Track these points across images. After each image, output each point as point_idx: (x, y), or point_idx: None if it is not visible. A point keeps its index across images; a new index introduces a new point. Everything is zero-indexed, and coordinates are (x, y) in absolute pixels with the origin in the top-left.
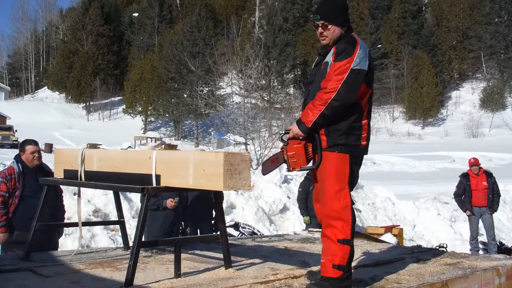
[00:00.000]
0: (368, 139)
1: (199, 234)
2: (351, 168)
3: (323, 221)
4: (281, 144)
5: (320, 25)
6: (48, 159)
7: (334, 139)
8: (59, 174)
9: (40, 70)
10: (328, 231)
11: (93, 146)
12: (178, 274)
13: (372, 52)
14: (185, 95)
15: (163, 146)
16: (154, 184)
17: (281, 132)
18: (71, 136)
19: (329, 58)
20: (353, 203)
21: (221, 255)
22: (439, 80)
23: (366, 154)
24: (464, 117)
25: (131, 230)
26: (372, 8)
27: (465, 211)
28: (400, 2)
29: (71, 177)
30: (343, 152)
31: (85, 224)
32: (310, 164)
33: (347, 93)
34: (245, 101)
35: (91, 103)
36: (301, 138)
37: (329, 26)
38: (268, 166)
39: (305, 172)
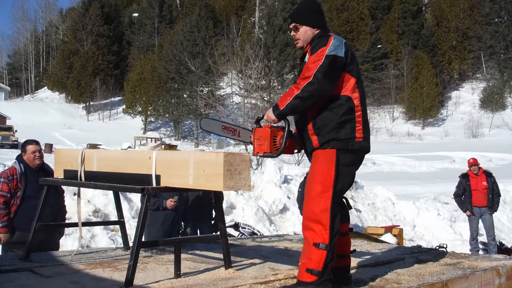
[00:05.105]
0: (365, 132)
1: (199, 234)
2: (337, 169)
3: (302, 222)
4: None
5: (292, 28)
6: (48, 159)
7: (326, 136)
8: (59, 174)
9: (40, 70)
10: (306, 233)
11: (93, 146)
12: (178, 274)
13: (372, 52)
14: (185, 95)
15: (163, 146)
16: (154, 184)
17: (259, 116)
18: (71, 136)
19: (307, 57)
20: (350, 208)
21: (221, 255)
22: (439, 80)
23: (368, 150)
24: (464, 117)
25: (131, 230)
26: (372, 8)
27: (465, 211)
28: (400, 2)
29: (71, 177)
30: (336, 148)
31: (85, 224)
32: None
33: (323, 77)
34: (245, 101)
35: (91, 103)
36: (274, 124)
37: (299, 27)
38: (217, 128)
39: (305, 172)
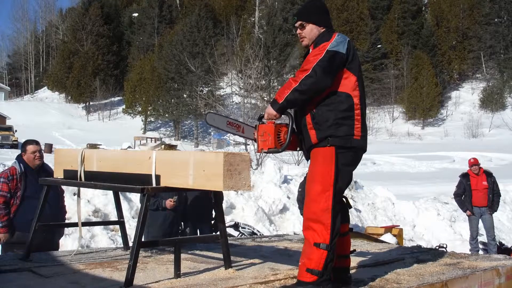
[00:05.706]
0: (363, 130)
1: (199, 234)
2: (336, 168)
3: (303, 222)
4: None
5: (298, 26)
6: (48, 159)
7: (324, 132)
8: (59, 174)
9: (40, 70)
10: (306, 233)
11: (93, 146)
12: (178, 274)
13: (372, 52)
14: (185, 95)
15: (163, 146)
16: (154, 184)
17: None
18: (71, 136)
19: (310, 51)
20: (350, 207)
21: (221, 255)
22: (439, 80)
23: (365, 149)
24: (464, 117)
25: (131, 230)
26: (372, 8)
27: (465, 211)
28: (400, 2)
29: (71, 177)
30: (334, 145)
31: (85, 224)
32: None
33: (322, 71)
34: (245, 101)
35: (91, 103)
36: (275, 119)
37: (306, 25)
38: (222, 123)
39: (305, 172)
